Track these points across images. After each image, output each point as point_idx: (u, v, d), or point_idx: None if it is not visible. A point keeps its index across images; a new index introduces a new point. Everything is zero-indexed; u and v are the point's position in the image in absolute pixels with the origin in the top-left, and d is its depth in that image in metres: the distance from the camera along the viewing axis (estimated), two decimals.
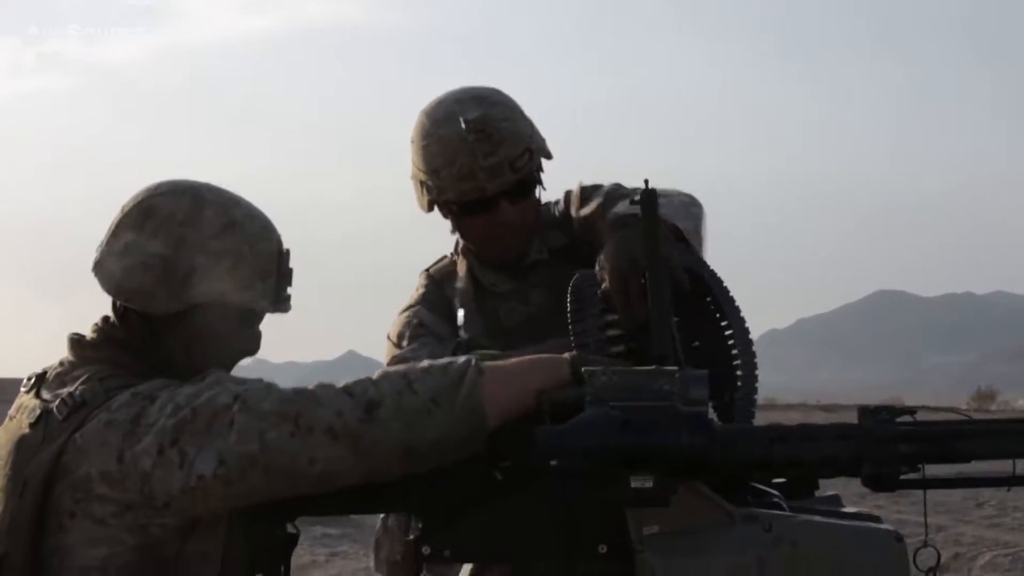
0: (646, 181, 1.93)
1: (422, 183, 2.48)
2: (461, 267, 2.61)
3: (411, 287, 2.71)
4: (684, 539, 1.71)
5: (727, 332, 2.15)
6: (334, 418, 1.69)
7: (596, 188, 2.52)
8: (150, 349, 1.93)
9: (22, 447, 1.79)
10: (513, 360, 1.84)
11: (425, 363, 1.78)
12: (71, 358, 1.92)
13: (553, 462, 1.65)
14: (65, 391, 1.83)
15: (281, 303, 1.99)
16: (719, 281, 2.20)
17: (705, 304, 2.20)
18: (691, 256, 2.21)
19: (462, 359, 1.77)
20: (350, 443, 1.68)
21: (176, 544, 1.75)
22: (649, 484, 1.64)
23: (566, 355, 1.84)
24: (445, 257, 2.69)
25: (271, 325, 2.05)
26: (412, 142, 2.48)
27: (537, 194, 2.53)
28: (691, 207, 2.37)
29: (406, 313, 2.59)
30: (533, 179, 2.49)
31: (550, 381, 1.78)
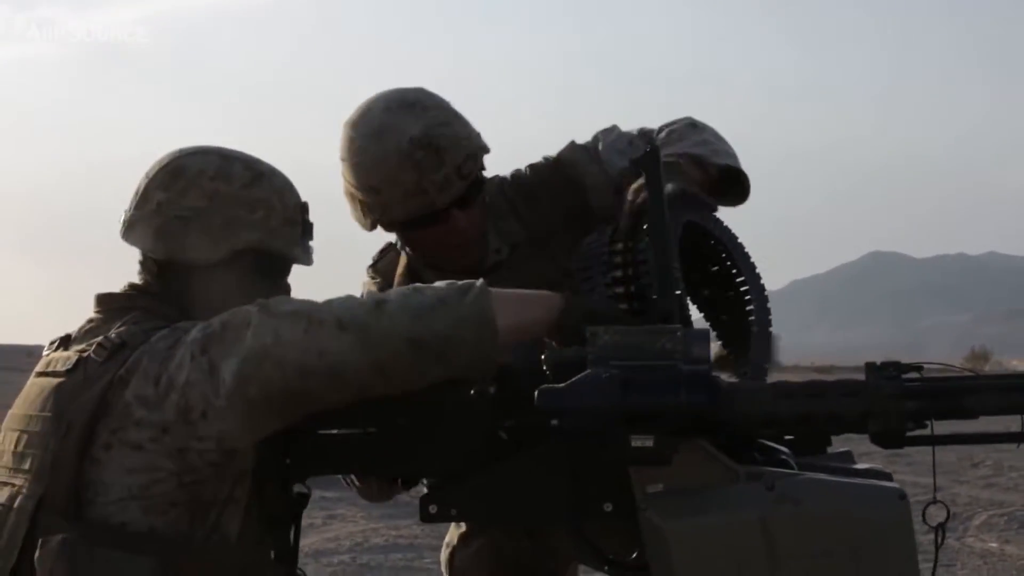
0: (651, 141, 1.90)
1: (361, 201, 2.32)
2: (401, 264, 2.49)
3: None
4: (687, 498, 1.70)
5: (743, 288, 2.15)
6: (344, 312, 1.73)
7: (583, 149, 2.41)
8: (186, 302, 1.95)
9: (62, 391, 1.80)
10: (513, 290, 1.86)
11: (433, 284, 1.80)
12: (99, 315, 1.94)
13: (554, 422, 1.65)
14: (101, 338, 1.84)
15: (306, 254, 2.05)
16: (733, 237, 2.18)
17: (720, 260, 2.19)
18: (703, 214, 2.18)
19: (467, 280, 1.79)
20: (359, 333, 1.71)
21: (212, 486, 1.76)
22: (649, 443, 1.64)
23: (560, 294, 1.85)
24: (389, 247, 2.55)
25: None
26: (342, 160, 2.32)
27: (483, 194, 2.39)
28: (698, 131, 2.31)
29: None
30: (480, 181, 2.35)
31: (547, 314, 1.82)
